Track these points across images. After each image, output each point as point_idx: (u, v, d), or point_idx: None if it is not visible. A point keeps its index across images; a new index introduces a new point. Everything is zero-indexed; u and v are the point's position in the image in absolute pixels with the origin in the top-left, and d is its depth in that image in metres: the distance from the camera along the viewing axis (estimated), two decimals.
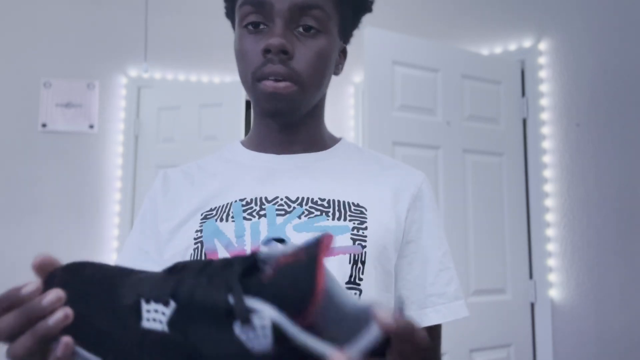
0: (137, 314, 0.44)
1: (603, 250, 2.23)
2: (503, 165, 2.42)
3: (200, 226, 0.74)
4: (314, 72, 0.72)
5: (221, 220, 0.73)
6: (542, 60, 2.46)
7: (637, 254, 2.16)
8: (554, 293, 2.33)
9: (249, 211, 0.73)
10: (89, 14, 2.86)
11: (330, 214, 0.72)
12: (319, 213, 0.72)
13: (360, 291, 0.69)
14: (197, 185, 0.80)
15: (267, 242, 0.68)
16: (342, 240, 0.70)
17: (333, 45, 0.75)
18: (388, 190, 0.77)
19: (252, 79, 0.73)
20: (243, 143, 0.84)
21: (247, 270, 0.42)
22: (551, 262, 2.35)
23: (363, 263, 0.70)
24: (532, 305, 2.38)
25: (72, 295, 0.45)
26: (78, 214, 2.72)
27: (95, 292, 0.46)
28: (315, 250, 0.39)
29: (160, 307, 0.43)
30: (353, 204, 0.74)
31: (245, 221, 0.72)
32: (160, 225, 0.78)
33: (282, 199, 0.73)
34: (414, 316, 0.74)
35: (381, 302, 0.58)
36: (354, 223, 0.72)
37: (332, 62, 0.76)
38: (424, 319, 0.75)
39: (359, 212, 0.73)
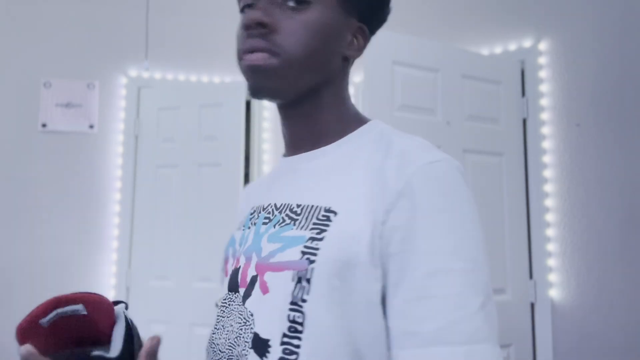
0: None
1: (603, 250, 2.23)
2: (503, 165, 2.42)
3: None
4: (300, 44, 0.66)
5: (238, 229, 0.78)
6: (542, 60, 2.46)
7: (637, 254, 2.16)
8: (554, 293, 2.33)
9: (252, 219, 0.74)
10: (89, 14, 2.86)
11: (298, 222, 0.65)
12: (289, 222, 0.66)
13: (303, 314, 0.59)
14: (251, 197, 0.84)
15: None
16: (292, 253, 0.61)
17: (327, 17, 0.68)
18: (368, 187, 0.62)
19: (238, 60, 0.69)
20: None
21: None
22: (551, 262, 2.35)
23: (308, 281, 0.59)
24: (532, 305, 2.38)
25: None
26: (78, 214, 2.72)
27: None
28: None
29: None
30: (325, 208, 0.63)
31: (246, 230, 0.74)
32: None
33: (271, 206, 0.71)
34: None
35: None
36: (313, 232, 0.61)
37: (327, 36, 0.68)
38: None
39: (325, 218, 0.62)
